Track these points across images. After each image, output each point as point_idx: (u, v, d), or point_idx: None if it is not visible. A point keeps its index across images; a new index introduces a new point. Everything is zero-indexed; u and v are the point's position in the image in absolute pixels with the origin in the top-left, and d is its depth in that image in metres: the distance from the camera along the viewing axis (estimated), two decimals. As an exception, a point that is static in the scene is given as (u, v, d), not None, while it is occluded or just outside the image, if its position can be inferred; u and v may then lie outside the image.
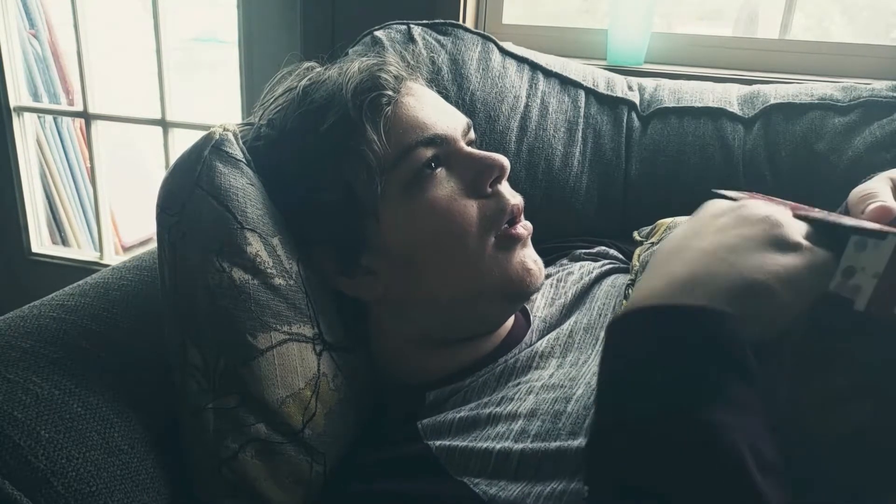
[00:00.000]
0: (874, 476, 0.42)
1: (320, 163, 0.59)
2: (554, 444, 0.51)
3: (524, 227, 0.61)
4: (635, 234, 0.75)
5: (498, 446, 0.52)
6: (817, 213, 0.45)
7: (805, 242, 0.41)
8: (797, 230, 0.42)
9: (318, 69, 0.65)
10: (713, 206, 0.47)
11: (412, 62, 0.68)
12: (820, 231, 0.43)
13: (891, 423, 0.42)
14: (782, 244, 0.41)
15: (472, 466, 0.52)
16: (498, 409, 0.55)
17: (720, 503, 0.36)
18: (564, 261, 0.77)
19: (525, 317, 0.68)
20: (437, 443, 0.54)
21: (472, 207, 0.59)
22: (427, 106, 0.61)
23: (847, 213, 0.48)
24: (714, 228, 0.44)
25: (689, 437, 0.36)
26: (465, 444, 0.53)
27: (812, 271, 0.40)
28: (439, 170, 0.60)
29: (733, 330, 0.38)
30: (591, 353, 0.60)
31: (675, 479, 0.36)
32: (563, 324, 0.65)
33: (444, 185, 0.59)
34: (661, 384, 0.38)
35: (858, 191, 0.47)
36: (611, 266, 0.73)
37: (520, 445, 0.51)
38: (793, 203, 0.48)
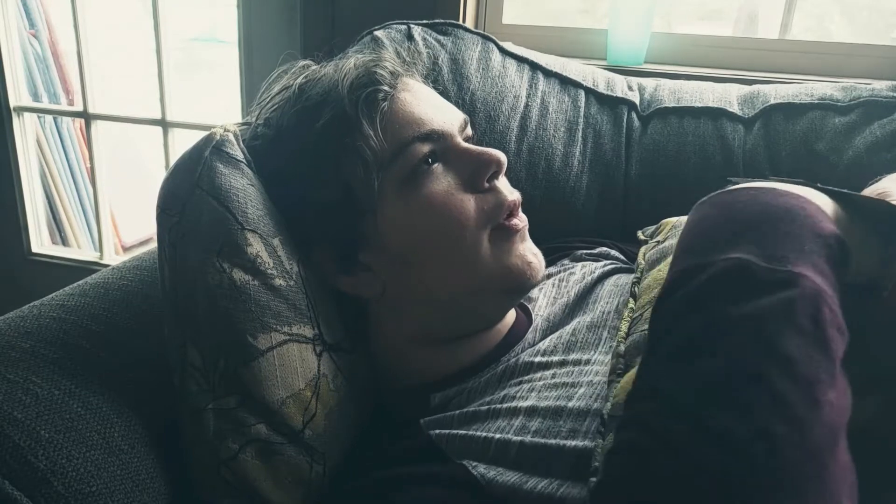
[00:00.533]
0: (870, 475, 0.42)
1: (317, 160, 0.59)
2: (553, 442, 0.51)
3: (520, 220, 0.61)
4: (640, 233, 0.75)
5: (497, 436, 0.52)
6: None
7: None
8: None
9: (314, 67, 0.65)
10: None
11: (408, 58, 0.68)
12: (859, 207, 0.43)
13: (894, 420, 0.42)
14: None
15: (472, 451, 0.52)
16: (499, 406, 0.55)
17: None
18: (566, 261, 0.77)
19: (527, 315, 0.68)
20: (437, 431, 0.55)
21: (469, 202, 0.59)
22: (423, 101, 0.61)
23: None
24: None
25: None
26: (465, 432, 0.54)
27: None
28: (436, 165, 0.60)
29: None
30: (593, 353, 0.60)
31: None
32: (566, 323, 0.65)
33: (442, 181, 0.59)
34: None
35: (870, 192, 0.48)
36: (613, 266, 0.73)
37: (519, 438, 0.52)
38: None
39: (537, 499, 0.48)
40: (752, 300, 0.37)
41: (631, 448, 0.38)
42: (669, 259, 0.60)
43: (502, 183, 0.61)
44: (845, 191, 0.46)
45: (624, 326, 0.56)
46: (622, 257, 0.78)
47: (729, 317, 0.38)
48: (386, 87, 0.59)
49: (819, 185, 0.48)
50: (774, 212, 0.42)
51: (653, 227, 0.73)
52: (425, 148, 0.59)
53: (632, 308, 0.59)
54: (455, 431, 0.54)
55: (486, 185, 0.60)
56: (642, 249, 0.68)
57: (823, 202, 0.46)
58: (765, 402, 0.35)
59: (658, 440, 0.36)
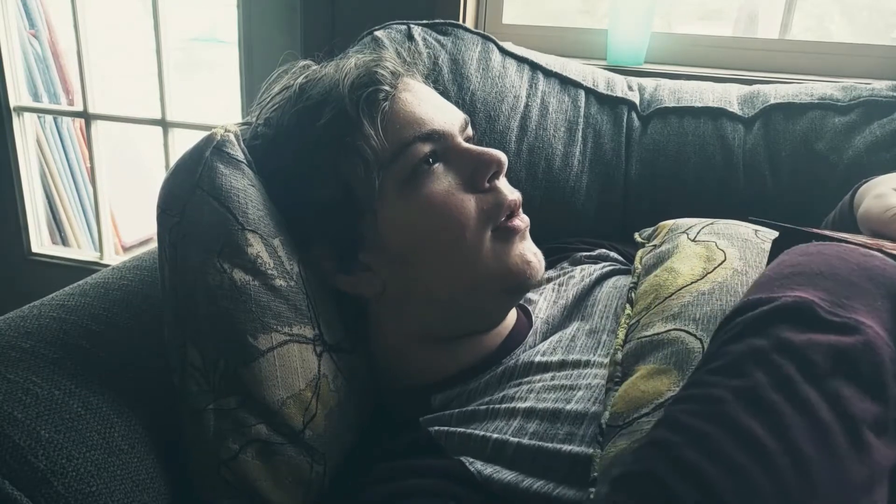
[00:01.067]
0: None
1: (317, 159, 0.59)
2: (549, 445, 0.51)
3: (521, 220, 0.61)
4: (636, 235, 0.75)
5: (495, 436, 0.52)
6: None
7: None
8: None
9: (315, 67, 0.65)
10: None
11: (408, 59, 0.68)
12: None
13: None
14: None
15: (469, 448, 0.53)
16: (497, 406, 0.56)
17: None
18: (565, 264, 0.77)
19: (527, 317, 0.68)
20: (436, 428, 0.55)
21: (469, 202, 0.59)
22: (424, 102, 0.61)
23: (850, 212, 0.48)
24: None
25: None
26: (464, 430, 0.54)
27: None
28: (437, 165, 0.60)
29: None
30: (592, 356, 0.60)
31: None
32: (565, 326, 0.65)
33: (442, 181, 0.59)
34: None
35: (878, 209, 0.48)
36: (612, 268, 0.73)
37: (516, 439, 0.52)
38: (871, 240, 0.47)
39: (533, 497, 0.48)
40: (809, 334, 0.37)
41: (659, 443, 0.38)
42: (666, 264, 0.60)
43: (503, 183, 0.61)
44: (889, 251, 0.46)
45: (621, 333, 0.56)
46: (621, 259, 0.78)
47: (784, 342, 0.37)
48: (387, 87, 0.59)
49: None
50: (853, 265, 0.42)
51: (650, 230, 0.73)
52: (426, 148, 0.59)
53: (629, 314, 0.59)
54: (454, 429, 0.54)
55: (487, 185, 0.60)
56: (639, 253, 0.68)
57: None
58: (802, 424, 0.35)
59: (688, 436, 0.36)
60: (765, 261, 0.50)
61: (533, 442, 0.51)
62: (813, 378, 0.36)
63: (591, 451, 0.49)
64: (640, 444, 0.40)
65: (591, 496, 0.45)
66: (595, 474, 0.46)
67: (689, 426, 0.37)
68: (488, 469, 0.50)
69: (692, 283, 0.56)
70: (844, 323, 0.37)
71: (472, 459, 0.51)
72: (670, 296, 0.56)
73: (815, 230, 0.49)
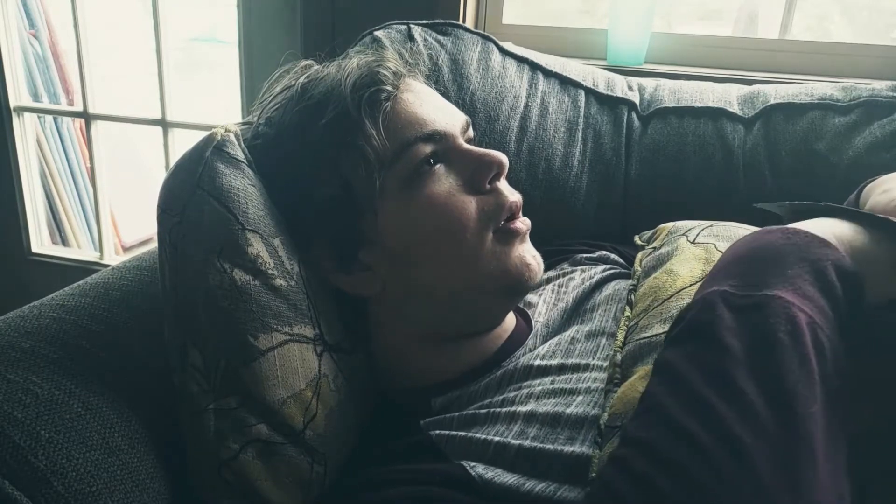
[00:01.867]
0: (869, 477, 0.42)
1: (319, 158, 0.59)
2: (550, 447, 0.51)
3: (523, 223, 0.62)
4: (636, 238, 0.75)
5: (496, 439, 0.52)
6: None
7: None
8: None
9: (317, 67, 0.65)
10: None
11: (410, 59, 0.68)
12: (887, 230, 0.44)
13: (887, 428, 0.42)
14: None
15: (470, 452, 0.52)
16: (498, 409, 0.56)
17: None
18: (565, 265, 0.77)
19: (526, 321, 0.68)
20: (437, 431, 0.55)
21: (470, 203, 0.59)
22: (426, 102, 0.61)
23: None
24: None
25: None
26: (465, 433, 0.54)
27: None
28: (438, 166, 0.60)
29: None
30: (591, 360, 0.60)
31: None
32: (565, 329, 0.65)
33: (443, 182, 0.59)
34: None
35: (884, 201, 0.49)
36: (612, 271, 0.73)
37: (517, 442, 0.52)
38: None
39: (534, 500, 0.48)
40: (723, 324, 0.40)
41: (614, 458, 0.41)
42: (665, 266, 0.60)
43: (503, 184, 0.61)
44: (872, 214, 0.46)
45: (620, 335, 0.56)
46: (621, 261, 0.78)
47: (704, 336, 0.41)
48: (389, 88, 0.59)
49: (849, 208, 0.49)
50: (764, 245, 0.45)
51: (649, 233, 0.73)
52: (427, 149, 0.59)
53: (628, 316, 0.59)
54: (455, 433, 0.54)
55: (488, 186, 0.60)
56: (639, 256, 0.68)
57: (840, 229, 0.47)
58: (733, 412, 0.37)
59: (636, 447, 0.39)
60: None
61: (534, 444, 0.51)
62: (737, 364, 0.38)
63: (590, 451, 0.49)
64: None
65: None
66: (593, 475, 0.46)
67: (636, 438, 0.40)
68: (489, 473, 0.50)
69: (691, 285, 0.56)
70: (754, 302, 0.40)
71: (472, 463, 0.51)
72: (669, 298, 0.56)
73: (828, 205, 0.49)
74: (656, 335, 0.53)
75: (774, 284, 0.41)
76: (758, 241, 0.46)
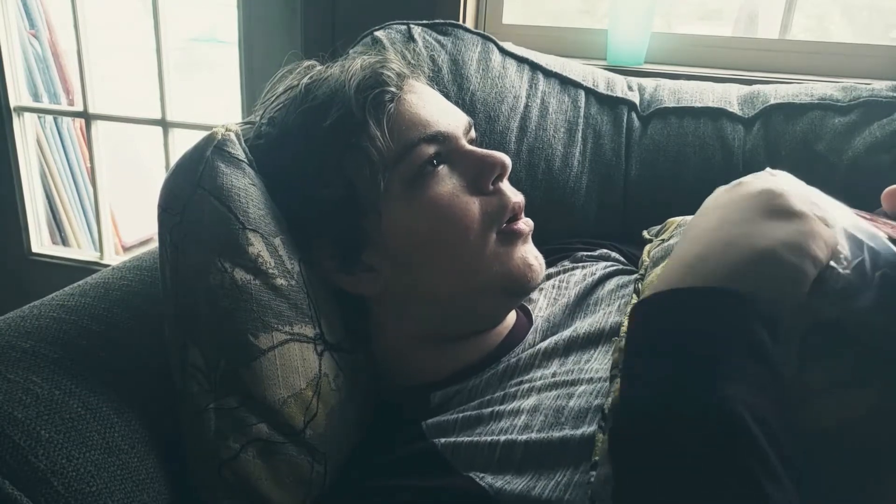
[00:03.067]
0: (848, 474, 0.43)
1: (322, 159, 0.59)
2: (557, 434, 0.51)
3: (525, 224, 0.62)
4: (645, 233, 0.75)
5: (503, 438, 0.52)
6: (882, 225, 0.45)
7: (807, 210, 0.42)
8: (799, 199, 0.43)
9: (320, 67, 0.66)
10: (718, 189, 0.49)
11: (413, 61, 0.68)
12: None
13: (889, 415, 0.42)
14: (784, 212, 0.42)
15: (477, 461, 0.52)
16: (501, 407, 0.55)
17: (729, 475, 0.36)
18: (566, 262, 0.77)
19: (527, 316, 0.68)
20: (443, 440, 0.54)
21: (473, 204, 0.59)
22: (429, 104, 0.62)
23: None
24: (716, 205, 0.46)
25: (702, 414, 0.38)
26: (469, 439, 0.53)
27: (816, 238, 0.42)
28: (441, 167, 0.60)
29: (743, 308, 0.40)
30: (593, 353, 0.60)
31: (688, 458, 0.38)
32: (567, 324, 0.65)
33: (447, 183, 0.59)
34: (677, 367, 0.40)
35: None
36: (614, 268, 0.73)
37: (524, 437, 0.52)
38: (881, 218, 0.47)
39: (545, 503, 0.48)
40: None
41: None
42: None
43: (506, 185, 0.62)
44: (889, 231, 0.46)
45: (626, 321, 0.56)
46: (622, 259, 0.78)
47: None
48: (393, 89, 0.60)
49: None
50: (694, 333, 0.42)
51: (658, 227, 0.73)
52: (431, 150, 0.59)
53: (634, 304, 0.59)
54: (460, 440, 0.54)
55: (491, 187, 0.60)
56: (647, 247, 0.68)
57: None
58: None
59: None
60: None
61: (541, 436, 0.51)
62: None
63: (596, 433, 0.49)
64: None
65: (592, 479, 0.45)
66: (596, 458, 0.46)
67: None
68: (499, 481, 0.50)
69: None
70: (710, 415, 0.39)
71: (481, 474, 0.51)
72: None
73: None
74: None
75: (721, 387, 0.38)
76: (682, 324, 0.42)
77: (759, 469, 0.36)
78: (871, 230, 0.43)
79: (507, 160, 0.60)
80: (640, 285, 0.61)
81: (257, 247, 0.56)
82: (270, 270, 0.56)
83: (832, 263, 0.42)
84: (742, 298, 0.40)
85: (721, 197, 0.47)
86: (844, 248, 0.43)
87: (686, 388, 0.39)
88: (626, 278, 0.70)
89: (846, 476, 0.43)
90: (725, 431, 0.37)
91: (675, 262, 0.46)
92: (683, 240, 0.47)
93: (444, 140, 0.60)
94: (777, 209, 0.43)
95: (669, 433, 0.38)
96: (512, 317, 0.66)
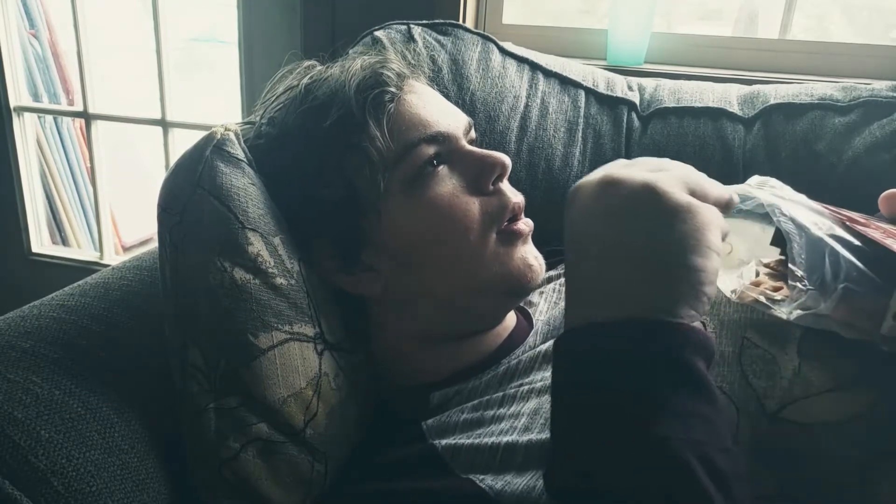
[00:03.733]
0: (841, 473, 0.43)
1: (322, 159, 0.59)
2: None
3: (525, 224, 0.62)
4: None
5: (504, 440, 0.52)
6: (873, 228, 0.44)
7: (690, 200, 0.39)
8: (678, 188, 0.40)
9: (320, 67, 0.66)
10: (588, 184, 0.44)
11: (413, 61, 0.68)
12: (868, 247, 0.42)
13: (885, 414, 0.42)
14: (673, 212, 0.39)
15: (478, 463, 0.52)
16: (501, 410, 0.55)
17: None
18: None
19: (527, 319, 0.68)
20: (443, 442, 0.54)
21: (473, 205, 0.59)
22: (429, 104, 0.62)
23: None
24: (605, 211, 0.42)
25: (638, 450, 0.36)
26: (470, 441, 0.53)
27: (710, 226, 0.39)
28: (441, 167, 0.60)
29: (670, 337, 0.37)
30: None
31: (629, 491, 0.36)
32: None
33: (447, 183, 0.59)
34: (605, 401, 0.38)
35: None
36: None
37: (525, 438, 0.52)
38: (839, 210, 0.47)
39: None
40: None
41: None
42: None
43: (506, 186, 0.61)
44: (860, 229, 0.44)
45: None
46: None
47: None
48: (393, 89, 0.60)
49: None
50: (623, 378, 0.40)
51: None
52: (431, 150, 0.59)
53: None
54: (461, 442, 0.53)
55: (491, 187, 0.60)
56: None
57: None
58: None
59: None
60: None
61: (542, 437, 0.51)
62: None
63: None
64: None
65: None
66: None
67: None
68: (499, 483, 0.50)
69: None
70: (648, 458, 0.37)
71: (481, 476, 0.51)
72: None
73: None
74: None
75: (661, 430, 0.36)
76: (606, 363, 0.39)
77: None
78: (831, 228, 0.42)
79: (507, 160, 0.60)
80: None
81: (257, 246, 0.56)
82: (270, 270, 0.56)
83: (790, 282, 0.41)
84: (667, 326, 0.37)
85: (600, 199, 0.42)
86: (802, 262, 0.41)
87: (621, 436, 0.36)
88: None
89: (839, 475, 0.43)
90: (669, 475, 0.35)
91: (585, 285, 0.42)
92: (583, 255, 0.43)
93: (444, 140, 0.60)
94: (668, 211, 0.39)
95: (611, 483, 0.36)
96: (512, 319, 0.66)
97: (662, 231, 0.39)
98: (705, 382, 0.37)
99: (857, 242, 0.41)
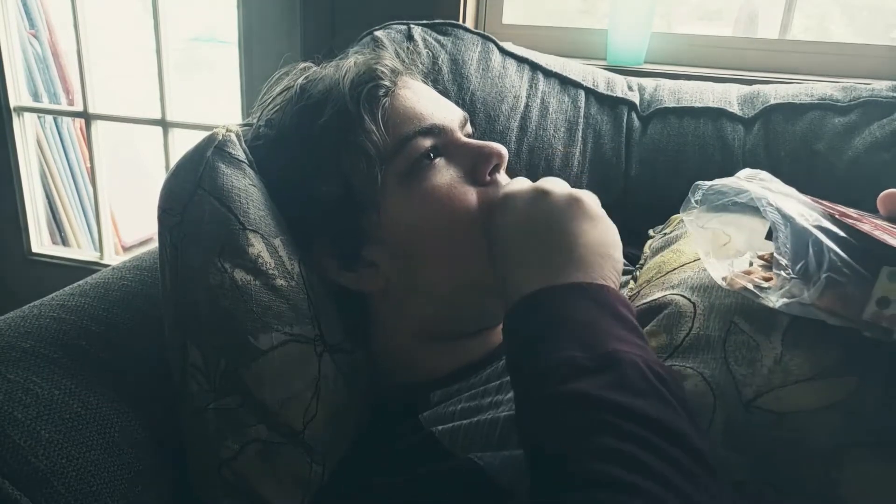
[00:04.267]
0: (813, 462, 0.43)
1: (319, 156, 0.59)
2: None
3: None
4: (651, 231, 0.76)
5: (504, 414, 0.52)
6: (865, 223, 0.45)
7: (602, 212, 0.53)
8: (593, 202, 0.54)
9: (315, 68, 0.66)
10: (519, 198, 0.54)
11: (406, 59, 0.68)
12: (856, 239, 0.42)
13: (862, 404, 0.42)
14: (593, 216, 0.52)
15: (477, 442, 0.52)
16: (499, 396, 0.56)
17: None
18: None
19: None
20: (440, 427, 0.54)
21: (471, 194, 0.59)
22: (424, 98, 0.62)
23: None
24: (546, 220, 0.52)
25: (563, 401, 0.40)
26: (468, 421, 0.53)
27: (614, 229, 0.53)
28: (438, 159, 0.60)
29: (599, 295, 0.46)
30: None
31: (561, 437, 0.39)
32: None
33: (444, 174, 0.59)
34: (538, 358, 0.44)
35: None
36: None
37: None
38: (832, 205, 0.47)
39: None
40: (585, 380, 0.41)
41: None
42: (673, 246, 0.62)
43: (504, 177, 0.62)
44: (848, 221, 0.46)
45: None
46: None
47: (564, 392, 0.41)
48: (387, 83, 0.60)
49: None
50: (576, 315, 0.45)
51: (661, 226, 0.74)
52: (427, 142, 0.59)
53: (630, 287, 0.61)
54: (458, 424, 0.54)
55: (488, 178, 0.60)
56: (649, 241, 0.70)
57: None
58: (619, 453, 0.37)
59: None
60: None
61: None
62: (610, 408, 0.39)
63: None
64: None
65: None
66: None
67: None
68: (498, 460, 0.50)
69: (694, 260, 0.57)
70: (602, 363, 0.41)
71: (479, 454, 0.51)
72: (672, 270, 0.57)
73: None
74: (655, 299, 0.54)
75: (612, 340, 0.43)
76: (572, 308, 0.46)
77: None
78: (820, 221, 0.43)
79: (504, 150, 0.60)
80: (637, 272, 0.62)
81: (257, 247, 0.56)
82: (271, 271, 0.56)
83: (774, 270, 0.44)
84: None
85: (543, 208, 0.53)
86: (787, 251, 0.43)
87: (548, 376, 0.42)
88: (624, 277, 0.70)
89: (809, 462, 0.44)
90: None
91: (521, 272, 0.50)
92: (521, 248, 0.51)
93: (439, 132, 0.60)
94: (590, 215, 0.52)
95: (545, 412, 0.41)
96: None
97: (590, 227, 0.51)
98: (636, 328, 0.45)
99: (842, 234, 0.42)
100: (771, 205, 0.46)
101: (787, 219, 0.44)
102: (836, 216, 0.44)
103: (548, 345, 0.43)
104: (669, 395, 0.40)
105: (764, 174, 0.52)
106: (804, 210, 0.45)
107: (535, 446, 0.41)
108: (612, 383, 0.40)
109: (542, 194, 0.53)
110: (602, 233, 0.51)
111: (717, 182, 0.52)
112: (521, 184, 0.56)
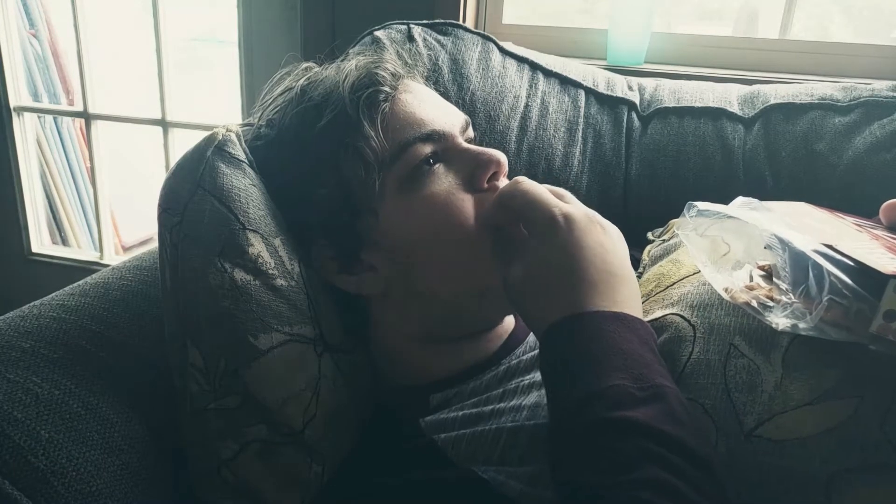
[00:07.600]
0: (811, 485, 0.43)
1: (318, 160, 0.59)
2: None
3: None
4: (649, 234, 0.76)
5: (509, 425, 0.52)
6: (871, 238, 0.45)
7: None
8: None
9: (316, 69, 0.66)
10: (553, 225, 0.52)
11: (409, 60, 0.68)
12: (853, 261, 0.42)
13: (861, 427, 0.42)
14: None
15: (479, 453, 0.52)
16: (501, 404, 0.56)
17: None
18: None
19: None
20: (442, 435, 0.54)
21: (469, 202, 0.59)
22: (425, 103, 0.62)
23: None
24: (579, 244, 0.50)
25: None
26: (471, 430, 0.53)
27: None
28: (437, 166, 0.59)
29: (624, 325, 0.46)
30: None
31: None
32: None
33: (442, 181, 0.59)
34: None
35: None
36: None
37: (531, 422, 0.52)
38: (835, 212, 0.47)
39: (550, 500, 0.48)
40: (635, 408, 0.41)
41: None
42: (671, 255, 0.61)
43: (503, 184, 0.61)
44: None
45: None
46: None
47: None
48: (387, 88, 0.59)
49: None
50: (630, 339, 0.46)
51: (661, 229, 0.74)
52: (426, 149, 0.59)
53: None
54: (461, 433, 0.54)
55: (487, 185, 0.60)
56: (647, 248, 0.69)
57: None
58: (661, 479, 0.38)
59: None
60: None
61: (545, 421, 0.51)
62: (656, 439, 0.40)
63: None
64: None
65: None
66: None
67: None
68: (502, 474, 0.50)
69: (694, 273, 0.57)
70: (651, 393, 0.42)
71: (483, 467, 0.51)
72: (672, 285, 0.57)
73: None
74: (656, 318, 0.54)
75: (656, 373, 0.44)
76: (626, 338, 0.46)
77: None
78: (822, 248, 0.43)
79: (503, 158, 0.60)
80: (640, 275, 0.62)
81: (257, 247, 0.56)
82: (270, 271, 0.56)
83: (776, 297, 0.45)
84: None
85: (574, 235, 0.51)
86: (786, 275, 0.44)
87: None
88: None
89: (806, 490, 0.44)
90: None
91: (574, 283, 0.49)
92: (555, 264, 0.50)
93: (439, 139, 0.60)
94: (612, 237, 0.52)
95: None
96: (511, 320, 0.66)
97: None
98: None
99: (839, 257, 0.42)
100: (765, 230, 0.46)
101: (784, 243, 0.44)
102: (832, 245, 0.44)
103: (595, 370, 0.44)
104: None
105: (755, 202, 0.53)
106: (799, 235, 0.45)
107: (572, 469, 0.41)
108: (660, 414, 0.40)
109: (570, 222, 0.52)
110: (623, 252, 0.52)
111: (711, 205, 0.53)
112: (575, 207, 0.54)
